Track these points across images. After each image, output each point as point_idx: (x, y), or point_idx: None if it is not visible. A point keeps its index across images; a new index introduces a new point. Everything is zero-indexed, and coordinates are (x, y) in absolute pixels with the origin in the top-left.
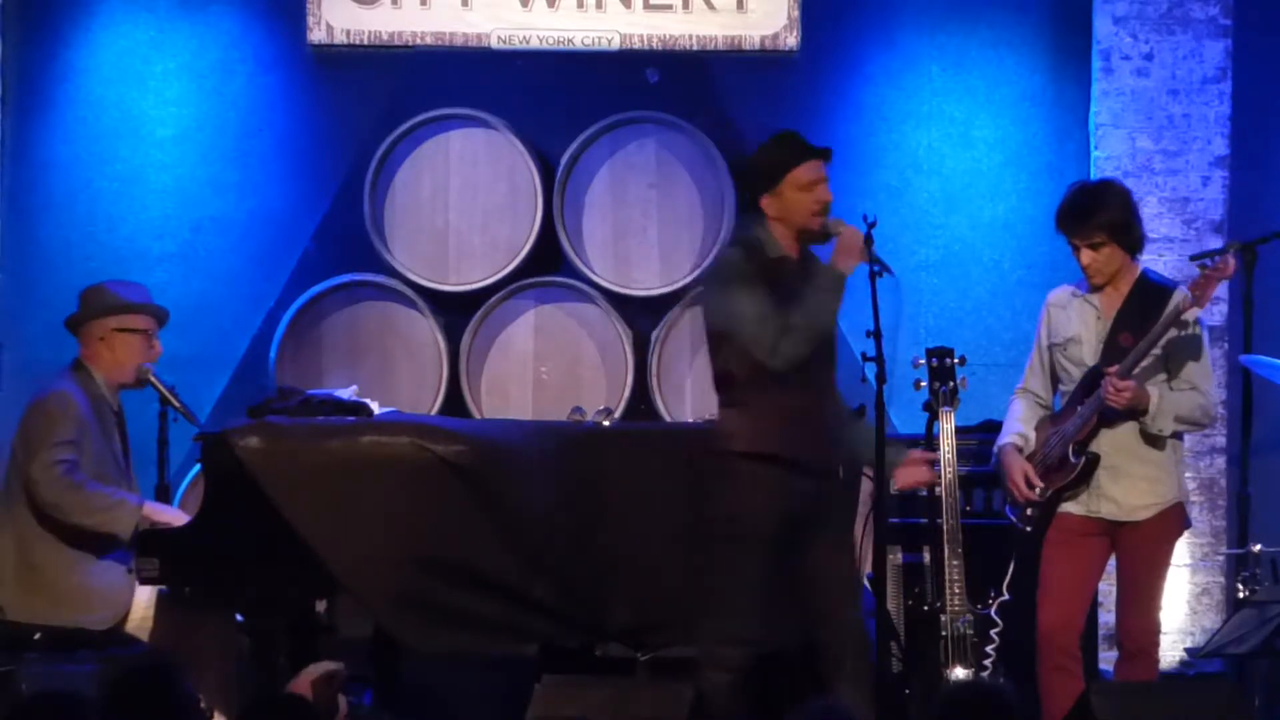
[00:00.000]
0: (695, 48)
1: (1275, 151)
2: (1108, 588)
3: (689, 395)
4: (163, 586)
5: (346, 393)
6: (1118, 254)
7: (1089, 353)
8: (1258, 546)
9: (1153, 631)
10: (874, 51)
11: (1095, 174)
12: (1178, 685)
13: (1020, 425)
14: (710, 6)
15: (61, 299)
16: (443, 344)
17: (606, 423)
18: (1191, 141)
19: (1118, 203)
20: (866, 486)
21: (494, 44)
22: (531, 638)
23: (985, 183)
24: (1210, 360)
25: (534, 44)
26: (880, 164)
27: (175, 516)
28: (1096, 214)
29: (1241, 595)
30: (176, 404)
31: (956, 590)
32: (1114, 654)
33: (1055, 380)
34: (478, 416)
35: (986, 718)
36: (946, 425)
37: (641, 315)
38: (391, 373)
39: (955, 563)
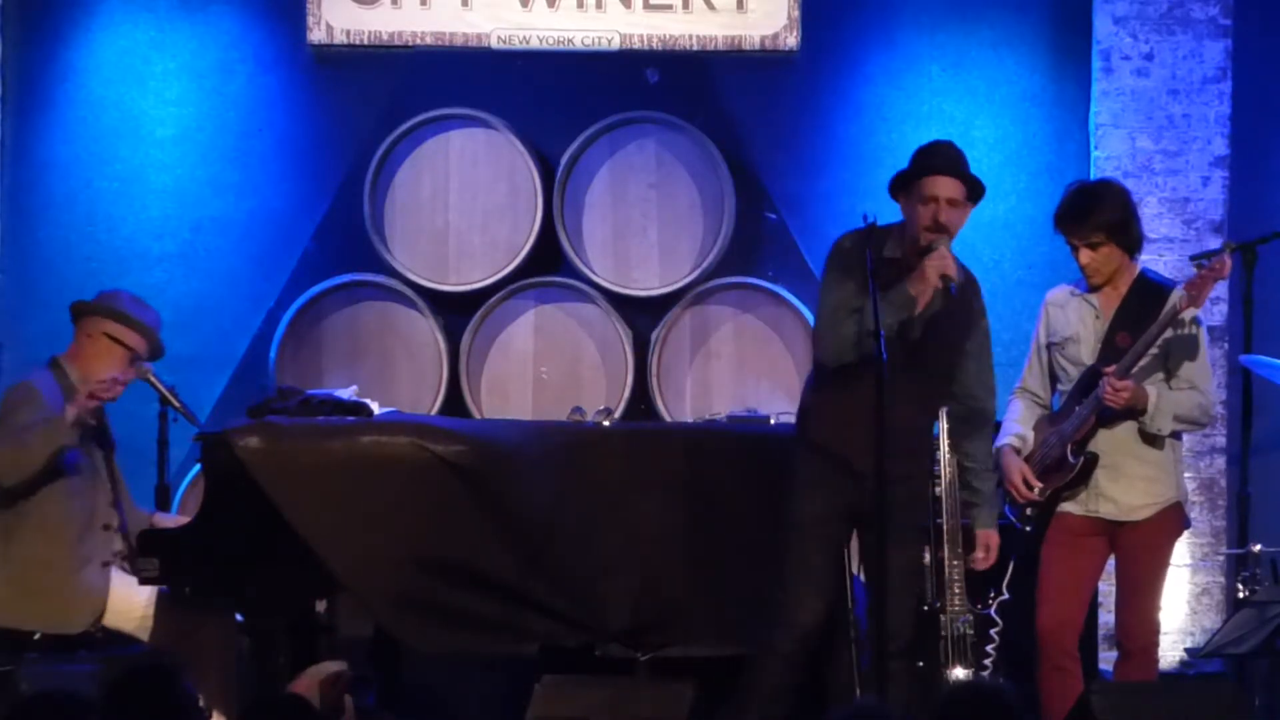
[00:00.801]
0: (695, 48)
1: (1275, 151)
2: (1108, 588)
3: (689, 395)
4: (163, 586)
5: (346, 393)
6: (1116, 254)
7: (1087, 352)
8: (1258, 546)
9: (1152, 631)
10: (874, 51)
11: (1095, 174)
12: (1178, 685)
13: (1018, 426)
14: (710, 6)
15: (61, 299)
16: (443, 344)
17: (606, 423)
18: (1191, 141)
19: (1116, 203)
20: None
21: (494, 44)
22: (531, 638)
23: (985, 182)
24: (1210, 360)
25: (534, 44)
26: (880, 164)
27: (174, 522)
28: (1095, 214)
29: (1241, 595)
30: (176, 404)
31: (956, 590)
32: (1114, 654)
33: (1054, 380)
34: (478, 416)
35: (988, 718)
36: (946, 425)
37: (641, 315)
38: (391, 373)
39: (955, 563)
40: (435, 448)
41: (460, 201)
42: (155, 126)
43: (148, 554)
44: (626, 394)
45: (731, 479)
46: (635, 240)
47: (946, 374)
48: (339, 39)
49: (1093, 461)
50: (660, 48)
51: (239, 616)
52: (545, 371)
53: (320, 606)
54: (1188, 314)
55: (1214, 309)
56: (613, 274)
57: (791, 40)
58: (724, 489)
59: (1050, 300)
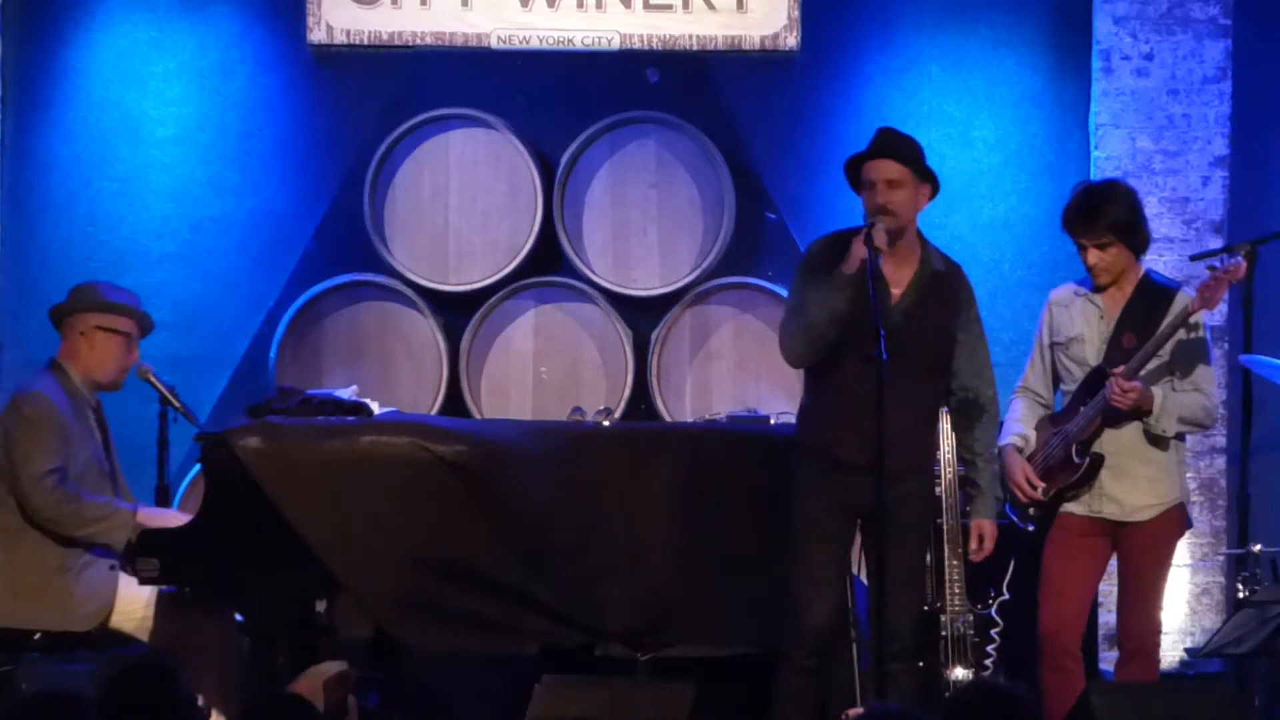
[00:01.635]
0: (695, 48)
1: (1275, 151)
2: (1108, 588)
3: (689, 395)
4: (163, 586)
5: (346, 393)
6: (1124, 254)
7: (1092, 352)
8: (1258, 546)
9: (1153, 631)
10: (874, 51)
11: (1095, 174)
12: (1178, 685)
13: (1020, 425)
14: (710, 6)
15: (61, 299)
16: (443, 344)
17: (606, 423)
18: (1191, 141)
19: (1125, 203)
20: None
21: (494, 44)
22: (531, 638)
23: (985, 183)
24: (1211, 360)
25: (534, 44)
26: None
27: (171, 519)
28: (1104, 214)
29: (1241, 595)
30: (176, 404)
31: (956, 590)
32: (1114, 654)
33: (1056, 379)
34: (478, 416)
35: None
36: (946, 425)
37: (641, 315)
38: (391, 373)
39: (955, 563)
40: (435, 448)
41: (460, 201)
42: (155, 126)
43: (148, 554)
44: (626, 394)
45: (731, 479)
46: (635, 240)
47: (936, 366)
48: (339, 39)
49: (1098, 462)
50: (660, 48)
51: (239, 616)
52: (545, 371)
53: (320, 606)
54: (1196, 316)
55: (1214, 309)
56: (613, 274)
57: (791, 40)
58: (724, 489)
59: (1054, 300)
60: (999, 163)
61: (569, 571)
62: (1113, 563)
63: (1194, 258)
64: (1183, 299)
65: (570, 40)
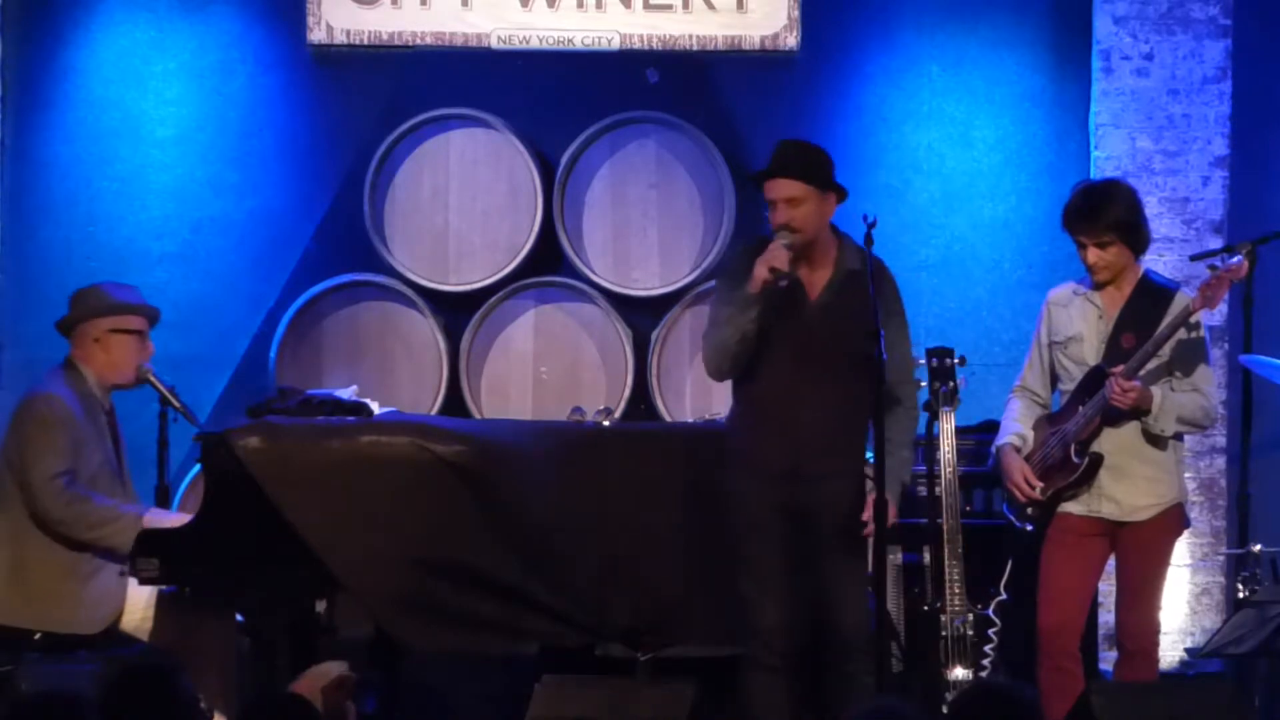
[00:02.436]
0: (695, 48)
1: (1275, 151)
2: (1108, 588)
3: (689, 395)
4: (163, 586)
5: (346, 393)
6: (1125, 253)
7: (1090, 352)
8: (1258, 546)
9: (1153, 631)
10: (874, 51)
11: (1095, 174)
12: (1178, 685)
13: (1018, 425)
14: (710, 6)
15: (61, 299)
16: (443, 344)
17: (606, 423)
18: (1191, 141)
19: (1126, 202)
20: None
21: (494, 44)
22: (531, 638)
23: (985, 183)
24: (1211, 360)
25: (534, 44)
26: (880, 164)
27: (176, 520)
28: (1105, 213)
29: (1241, 595)
30: (176, 404)
31: (956, 590)
32: (1114, 654)
33: (1054, 379)
34: (478, 416)
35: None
36: (946, 425)
37: (641, 315)
38: (391, 373)
39: (955, 563)
40: (435, 448)
41: (460, 201)
42: (155, 126)
43: (148, 554)
44: (626, 394)
45: None
46: (635, 240)
47: (857, 365)
48: (339, 39)
49: (1097, 461)
50: (660, 48)
51: (239, 616)
52: (545, 371)
53: (320, 606)
54: (1196, 316)
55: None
56: (613, 274)
57: (791, 40)
58: (724, 489)
59: (1052, 299)
60: (999, 163)
61: (569, 571)
62: (1112, 563)
63: (1194, 258)
64: (1182, 299)
65: (570, 40)
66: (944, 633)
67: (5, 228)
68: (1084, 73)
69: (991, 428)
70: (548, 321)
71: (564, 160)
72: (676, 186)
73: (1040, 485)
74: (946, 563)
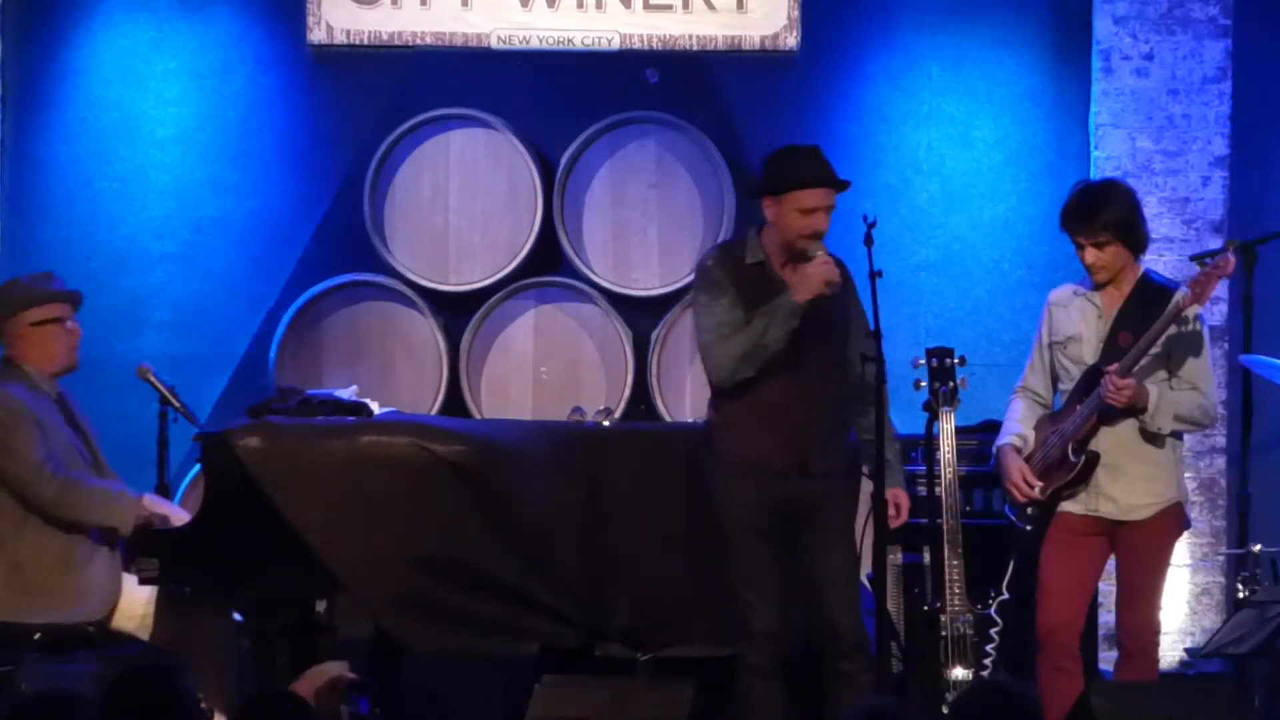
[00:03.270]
0: (695, 48)
1: (1275, 151)
2: (1108, 588)
3: (689, 395)
4: (163, 586)
5: (346, 393)
6: (1123, 253)
7: (1089, 351)
8: (1258, 546)
9: (1153, 631)
10: (874, 51)
11: (1095, 174)
12: (1178, 685)
13: (1019, 425)
14: (710, 6)
15: None
16: (443, 344)
17: (606, 423)
18: (1191, 141)
19: (1124, 202)
20: (866, 486)
21: (494, 44)
22: (531, 638)
23: (985, 183)
24: (1211, 360)
25: (534, 44)
26: (880, 164)
27: (174, 510)
28: (1103, 213)
29: (1241, 595)
30: (176, 404)
31: (956, 590)
32: (1114, 654)
33: (1055, 379)
34: (478, 416)
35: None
36: (946, 425)
37: (641, 315)
38: (391, 373)
39: (955, 563)
40: (435, 448)
41: (460, 201)
42: (155, 126)
43: (148, 554)
44: (626, 394)
45: None
46: (635, 240)
47: (838, 361)
48: (339, 39)
49: (1094, 460)
50: (660, 48)
51: (239, 616)
52: (545, 371)
53: (320, 606)
54: (1190, 312)
55: (1214, 309)
56: (613, 274)
57: (791, 40)
58: (713, 490)
59: (1053, 300)
60: (999, 163)
61: (569, 571)
62: (1111, 562)
63: (1194, 258)
64: (1179, 294)
65: (570, 40)
66: (944, 633)
67: (5, 228)
68: (1084, 73)
69: (992, 428)
70: (548, 321)
71: (564, 160)
72: (676, 187)
73: (1039, 485)
74: (947, 563)
